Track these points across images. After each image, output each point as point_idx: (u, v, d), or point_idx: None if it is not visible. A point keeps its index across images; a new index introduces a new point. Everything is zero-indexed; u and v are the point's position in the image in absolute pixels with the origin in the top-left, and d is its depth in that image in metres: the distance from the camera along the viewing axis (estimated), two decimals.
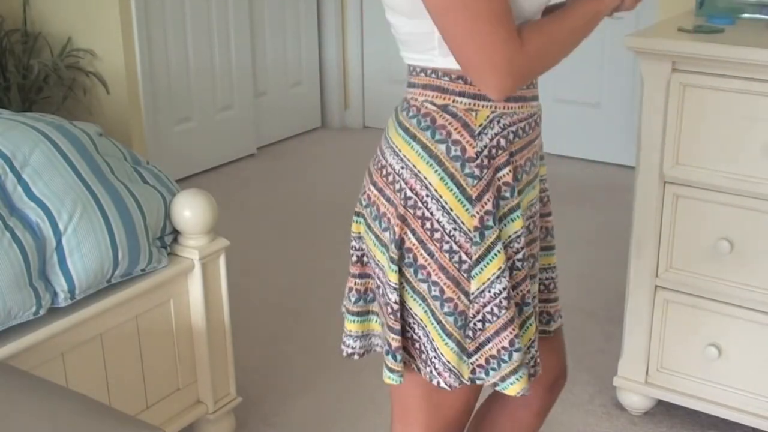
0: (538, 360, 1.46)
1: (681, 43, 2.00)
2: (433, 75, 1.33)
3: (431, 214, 1.33)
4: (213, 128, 4.26)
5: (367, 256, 1.45)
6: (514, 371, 1.39)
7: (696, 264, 2.13)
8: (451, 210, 1.32)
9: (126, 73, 3.74)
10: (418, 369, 1.42)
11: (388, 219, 1.37)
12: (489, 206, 1.33)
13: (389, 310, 1.39)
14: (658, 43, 2.02)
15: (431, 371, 1.39)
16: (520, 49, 1.23)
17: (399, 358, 1.40)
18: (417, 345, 1.40)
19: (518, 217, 1.36)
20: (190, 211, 2.05)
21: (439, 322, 1.36)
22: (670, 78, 2.03)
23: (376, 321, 1.50)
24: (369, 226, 1.42)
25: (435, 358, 1.38)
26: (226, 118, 4.32)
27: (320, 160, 4.46)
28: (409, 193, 1.34)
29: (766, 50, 1.90)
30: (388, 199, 1.37)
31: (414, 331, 1.40)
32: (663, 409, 2.38)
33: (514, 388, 1.40)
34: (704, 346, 2.17)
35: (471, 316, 1.36)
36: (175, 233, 2.10)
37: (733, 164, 2.02)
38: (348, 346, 1.51)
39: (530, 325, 1.43)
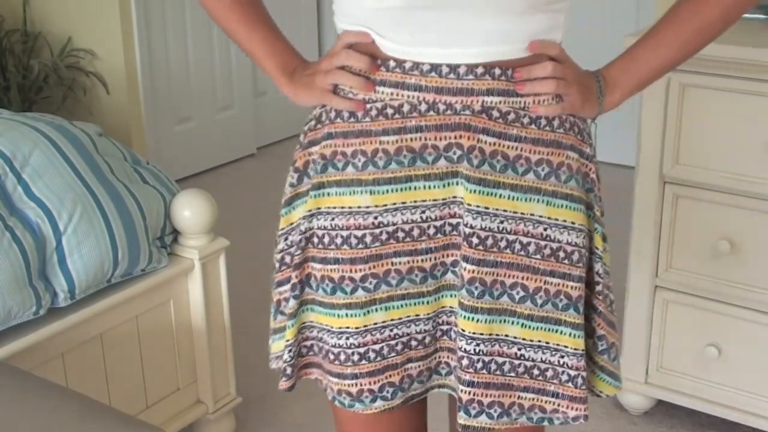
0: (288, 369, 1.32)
1: None
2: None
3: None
4: (213, 128, 4.26)
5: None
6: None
7: (696, 264, 2.13)
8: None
9: (126, 73, 3.74)
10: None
11: None
12: (294, 179, 1.28)
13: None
14: None
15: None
16: None
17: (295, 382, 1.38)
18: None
19: (302, 203, 1.26)
20: (190, 211, 2.05)
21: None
22: (670, 78, 2.03)
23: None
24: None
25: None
26: (226, 118, 4.32)
27: None
28: None
29: (766, 50, 1.90)
30: None
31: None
32: (663, 409, 2.38)
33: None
34: (704, 346, 2.17)
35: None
36: (175, 233, 2.10)
37: (733, 164, 2.02)
38: (275, 364, 1.44)
39: (289, 327, 1.28)
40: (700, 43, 1.24)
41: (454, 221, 1.19)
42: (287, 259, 1.30)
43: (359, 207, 1.19)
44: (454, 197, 1.17)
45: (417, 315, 1.22)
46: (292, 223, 1.29)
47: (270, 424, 2.38)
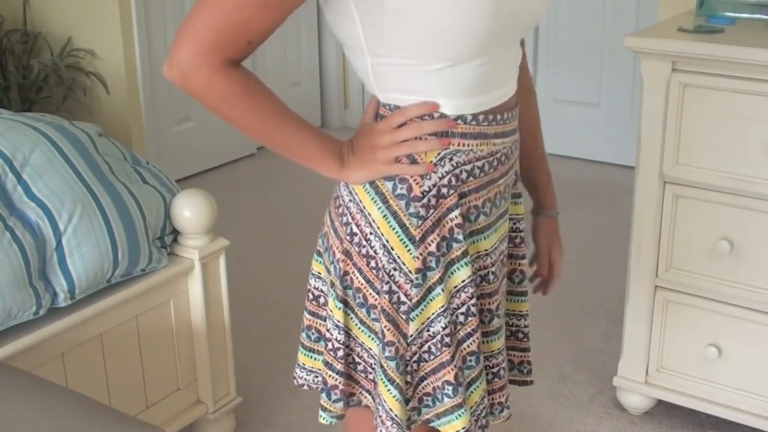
0: (485, 422, 1.36)
1: (681, 43, 2.00)
2: (383, 107, 1.26)
3: (375, 252, 1.26)
4: (213, 128, 4.26)
5: (324, 297, 1.38)
6: (452, 409, 1.30)
7: (696, 264, 2.13)
8: (392, 249, 1.25)
9: (126, 73, 3.74)
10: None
11: (334, 252, 1.31)
12: (433, 247, 1.25)
13: (330, 347, 1.33)
14: (658, 43, 2.02)
15: (377, 418, 1.31)
16: (220, 65, 1.15)
17: (334, 397, 1.34)
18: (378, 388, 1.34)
19: (465, 265, 1.27)
20: (190, 211, 2.05)
21: (381, 366, 1.29)
22: (670, 78, 2.03)
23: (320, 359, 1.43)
24: (328, 269, 1.36)
25: (380, 404, 1.30)
26: None
27: None
28: (354, 229, 1.27)
29: (766, 50, 1.90)
30: (335, 232, 1.31)
31: (376, 372, 1.32)
32: (663, 409, 2.38)
33: (447, 428, 1.31)
34: (704, 346, 2.17)
35: (408, 358, 1.28)
36: (175, 233, 2.10)
37: (733, 164, 2.02)
38: (299, 376, 1.46)
39: (477, 386, 1.33)
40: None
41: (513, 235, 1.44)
42: (459, 318, 1.31)
43: (485, 251, 1.31)
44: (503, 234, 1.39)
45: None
46: (464, 280, 1.29)
47: (270, 424, 2.38)
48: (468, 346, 1.30)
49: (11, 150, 1.89)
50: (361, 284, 1.29)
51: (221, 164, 4.33)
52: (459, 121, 1.22)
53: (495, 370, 1.38)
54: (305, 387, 1.46)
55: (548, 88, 4.24)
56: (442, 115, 1.21)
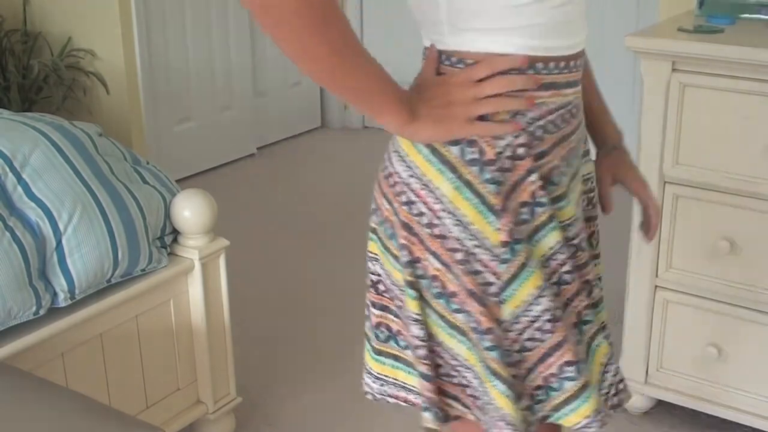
0: (620, 387, 1.25)
1: (681, 43, 2.00)
2: (446, 60, 1.11)
3: (449, 231, 1.10)
4: (213, 128, 4.26)
5: (384, 284, 1.22)
6: (572, 398, 1.16)
7: (696, 264, 2.13)
8: (471, 224, 1.10)
9: (126, 73, 3.74)
10: (478, 419, 1.19)
11: (398, 237, 1.15)
12: (518, 216, 1.10)
13: (417, 351, 1.17)
14: (658, 43, 2.02)
15: (488, 420, 1.16)
16: None
17: (440, 414, 1.18)
18: (468, 391, 1.18)
19: (556, 228, 1.13)
20: (190, 211, 2.05)
21: (483, 360, 1.14)
22: (670, 78, 2.03)
23: (410, 373, 1.24)
24: (386, 247, 1.19)
25: (488, 403, 1.15)
26: (226, 118, 4.32)
27: (320, 160, 4.46)
28: (421, 207, 1.11)
29: (766, 50, 1.90)
30: (396, 214, 1.15)
31: (461, 375, 1.18)
32: (663, 409, 2.38)
33: (572, 417, 1.16)
34: (704, 346, 2.17)
35: (507, 347, 1.14)
36: (175, 233, 2.10)
37: (733, 164, 2.02)
38: (367, 384, 1.29)
39: (599, 345, 1.22)
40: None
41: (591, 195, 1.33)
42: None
43: (570, 218, 1.18)
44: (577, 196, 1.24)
45: None
46: (552, 247, 1.15)
47: (270, 424, 2.38)
48: (577, 306, 1.18)
49: (11, 150, 1.89)
50: (438, 270, 1.12)
51: (221, 164, 4.33)
52: (532, 71, 1.09)
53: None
54: (369, 396, 1.29)
55: None
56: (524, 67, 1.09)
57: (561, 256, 1.15)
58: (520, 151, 1.10)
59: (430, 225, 1.11)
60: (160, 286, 2.04)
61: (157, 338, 2.08)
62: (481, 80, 1.08)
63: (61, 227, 1.85)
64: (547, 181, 1.13)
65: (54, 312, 1.86)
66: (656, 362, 2.26)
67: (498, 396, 1.13)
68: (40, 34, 3.84)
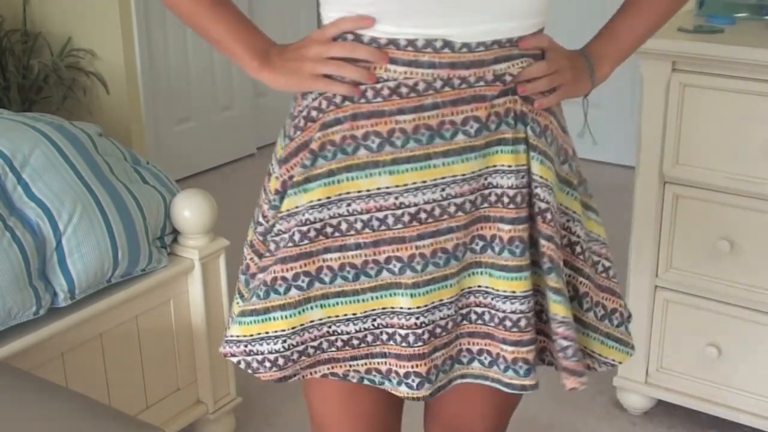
0: (310, 348, 1.23)
1: (681, 43, 2.00)
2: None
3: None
4: (213, 128, 4.26)
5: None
6: (244, 313, 1.21)
7: (696, 264, 2.13)
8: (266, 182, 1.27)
9: (126, 73, 3.74)
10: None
11: None
12: (294, 171, 1.19)
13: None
14: (658, 43, 2.02)
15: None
16: None
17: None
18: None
19: (310, 189, 1.17)
20: (190, 211, 2.05)
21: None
22: (670, 78, 2.03)
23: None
24: None
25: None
26: (226, 118, 4.32)
27: None
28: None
29: (766, 50, 1.90)
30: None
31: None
32: (663, 409, 2.38)
33: (232, 329, 1.23)
34: (704, 346, 2.17)
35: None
36: (175, 233, 2.10)
37: (733, 164, 2.02)
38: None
39: (289, 317, 1.21)
40: (673, 8, 1.36)
41: (486, 192, 1.18)
42: (280, 244, 1.21)
43: (378, 189, 1.16)
44: (464, 174, 1.16)
45: (441, 300, 1.19)
46: (297, 207, 1.19)
47: (270, 424, 2.38)
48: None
49: (11, 150, 1.89)
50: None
51: (221, 164, 4.33)
52: (392, 46, 1.14)
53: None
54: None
55: None
56: (373, 40, 1.14)
57: (302, 217, 1.19)
58: (313, 113, 1.19)
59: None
60: (160, 286, 2.04)
61: (157, 338, 2.08)
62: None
63: (61, 227, 1.85)
64: (338, 148, 1.16)
65: (54, 312, 1.86)
66: (656, 362, 2.26)
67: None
68: (40, 34, 3.84)
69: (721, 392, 2.19)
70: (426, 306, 1.19)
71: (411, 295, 1.18)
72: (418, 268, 1.17)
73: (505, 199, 1.18)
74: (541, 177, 1.19)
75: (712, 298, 2.13)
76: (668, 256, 2.16)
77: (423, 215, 1.16)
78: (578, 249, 1.26)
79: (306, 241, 1.18)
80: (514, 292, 1.20)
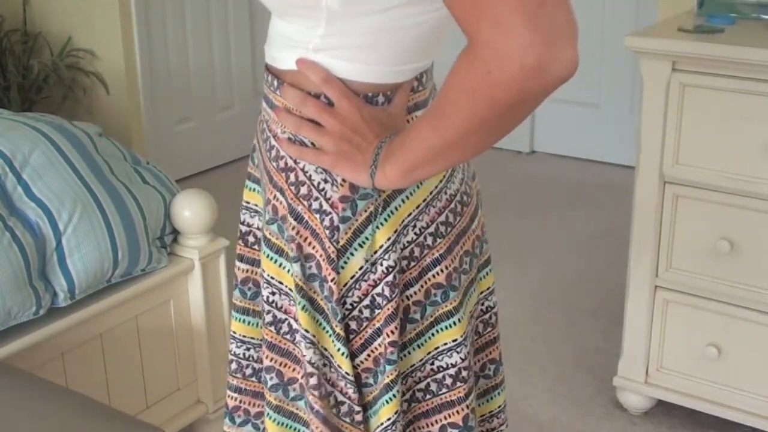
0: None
1: (681, 43, 2.00)
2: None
3: None
4: (213, 128, 4.26)
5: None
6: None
7: (696, 264, 2.13)
8: None
9: (126, 73, 3.74)
10: None
11: None
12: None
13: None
14: (658, 43, 2.02)
15: None
16: None
17: None
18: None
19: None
20: (190, 211, 2.05)
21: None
22: (670, 78, 2.03)
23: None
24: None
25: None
26: (226, 118, 4.32)
27: None
28: None
29: (766, 50, 1.90)
30: None
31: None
32: (663, 409, 2.38)
33: None
34: (704, 346, 2.17)
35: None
36: (175, 233, 2.10)
37: (733, 164, 2.02)
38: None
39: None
40: (480, 136, 0.96)
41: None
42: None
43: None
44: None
45: None
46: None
47: None
48: None
49: (11, 150, 1.89)
50: None
51: (221, 164, 4.33)
52: None
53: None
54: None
55: None
56: None
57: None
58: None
59: None
60: (160, 286, 2.04)
61: (157, 338, 2.08)
62: None
63: (61, 227, 1.85)
64: None
65: (54, 312, 1.86)
66: (656, 362, 2.26)
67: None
68: (40, 34, 3.84)
69: (721, 392, 2.19)
70: None
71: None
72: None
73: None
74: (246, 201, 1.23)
75: (712, 298, 2.13)
76: (668, 256, 2.16)
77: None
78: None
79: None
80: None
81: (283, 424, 1.16)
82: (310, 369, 1.08)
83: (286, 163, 1.07)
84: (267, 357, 1.14)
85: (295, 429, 1.16)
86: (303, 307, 1.07)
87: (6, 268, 1.75)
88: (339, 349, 1.08)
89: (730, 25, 2.12)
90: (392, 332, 1.06)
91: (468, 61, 0.89)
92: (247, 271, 1.24)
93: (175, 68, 4.03)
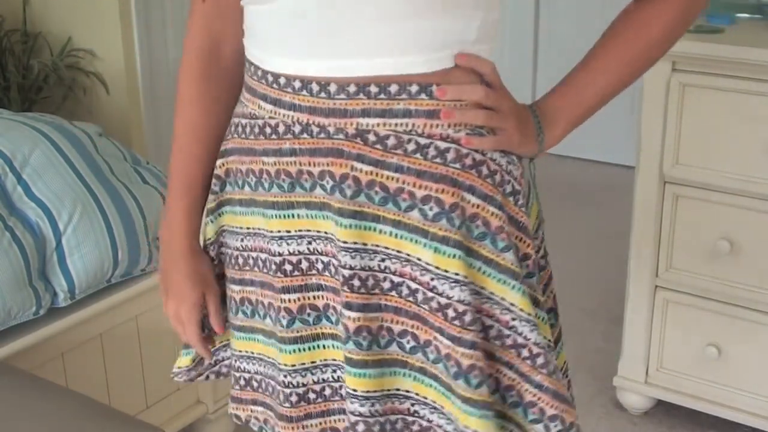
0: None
1: (681, 43, 1.97)
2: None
3: None
4: None
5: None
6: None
7: (696, 264, 2.13)
8: None
9: (126, 73, 3.74)
10: None
11: None
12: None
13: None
14: None
15: None
16: None
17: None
18: None
19: (210, 222, 1.18)
20: None
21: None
22: (670, 78, 2.03)
23: None
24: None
25: None
26: None
27: None
28: None
29: (766, 50, 1.90)
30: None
31: None
32: (663, 409, 2.38)
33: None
34: (704, 346, 2.17)
35: None
36: None
37: (733, 164, 2.02)
38: None
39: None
40: (644, 65, 1.11)
41: (326, 259, 1.05)
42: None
43: (259, 228, 1.09)
44: (326, 232, 1.03)
45: (313, 362, 1.10)
46: (216, 232, 1.18)
47: None
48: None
49: (11, 150, 1.89)
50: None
51: None
52: (262, 81, 1.06)
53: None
54: None
55: (548, 89, 4.23)
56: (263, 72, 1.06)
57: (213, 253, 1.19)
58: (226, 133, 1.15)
59: None
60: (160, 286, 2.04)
61: (157, 338, 2.08)
62: None
63: (61, 227, 1.85)
64: (231, 179, 1.12)
65: (54, 312, 1.86)
66: (656, 362, 2.26)
67: None
68: (40, 34, 3.84)
69: (721, 392, 2.19)
70: (293, 365, 1.09)
71: (280, 350, 1.10)
72: (284, 322, 1.08)
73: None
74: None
75: (712, 298, 2.13)
76: (668, 256, 2.16)
77: (288, 267, 1.06)
78: (524, 353, 1.06)
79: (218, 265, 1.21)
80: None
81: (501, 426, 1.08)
82: (536, 350, 1.04)
83: (473, 159, 1.00)
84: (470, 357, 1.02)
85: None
86: (522, 292, 1.03)
87: (6, 268, 1.75)
88: (543, 318, 1.09)
89: (730, 25, 2.12)
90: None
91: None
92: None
93: (175, 68, 4.02)
